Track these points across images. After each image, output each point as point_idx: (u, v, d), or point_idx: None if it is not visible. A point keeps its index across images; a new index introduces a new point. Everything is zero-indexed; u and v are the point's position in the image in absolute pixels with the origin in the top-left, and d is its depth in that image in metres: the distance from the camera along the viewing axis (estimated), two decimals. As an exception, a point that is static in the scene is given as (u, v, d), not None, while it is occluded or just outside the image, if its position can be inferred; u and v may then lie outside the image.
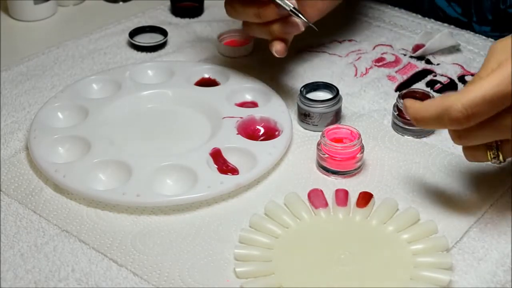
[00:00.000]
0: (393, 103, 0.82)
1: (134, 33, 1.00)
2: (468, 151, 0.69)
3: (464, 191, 0.74)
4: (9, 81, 0.92)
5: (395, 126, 0.82)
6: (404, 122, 0.81)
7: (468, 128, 0.65)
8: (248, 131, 0.81)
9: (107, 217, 0.72)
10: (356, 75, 0.92)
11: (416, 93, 0.82)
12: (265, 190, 0.75)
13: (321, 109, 0.81)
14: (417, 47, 0.96)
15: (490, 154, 0.68)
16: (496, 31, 0.99)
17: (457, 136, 0.67)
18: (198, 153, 0.77)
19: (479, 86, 0.64)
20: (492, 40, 0.97)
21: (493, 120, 0.65)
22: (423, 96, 0.81)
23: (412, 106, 0.68)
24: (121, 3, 1.12)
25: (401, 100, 0.80)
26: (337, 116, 0.82)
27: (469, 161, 0.71)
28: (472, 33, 0.99)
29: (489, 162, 0.69)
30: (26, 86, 0.91)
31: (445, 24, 1.01)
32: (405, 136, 0.81)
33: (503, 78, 0.64)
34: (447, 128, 0.68)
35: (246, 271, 0.65)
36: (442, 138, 0.81)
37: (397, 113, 0.81)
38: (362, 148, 0.76)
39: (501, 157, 0.68)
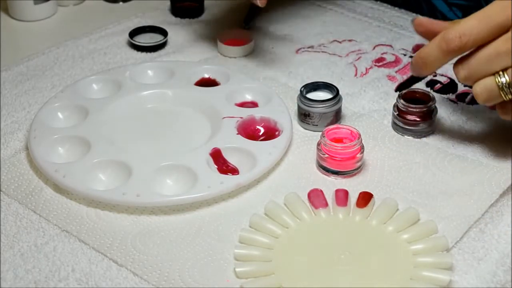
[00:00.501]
0: (393, 103, 0.82)
1: (134, 33, 1.00)
2: (478, 87, 0.72)
3: (464, 191, 0.74)
4: (9, 81, 0.92)
5: (395, 126, 0.82)
6: (404, 122, 0.81)
7: (469, 56, 0.72)
8: (248, 131, 0.81)
9: (107, 217, 0.72)
10: (356, 75, 0.92)
11: (416, 93, 0.82)
12: (265, 190, 0.75)
13: (321, 109, 0.81)
14: (417, 47, 0.96)
15: (496, 82, 0.71)
16: None
17: (461, 69, 0.73)
18: (198, 153, 0.77)
19: (474, 14, 0.71)
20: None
21: (492, 46, 0.71)
22: (423, 96, 0.81)
23: (415, 55, 0.75)
24: (121, 3, 1.12)
25: (401, 100, 0.80)
26: (337, 116, 0.82)
27: (481, 102, 0.73)
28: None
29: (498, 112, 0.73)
30: (26, 86, 0.91)
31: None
32: (405, 136, 0.81)
33: (500, 6, 0.70)
34: (448, 56, 0.73)
35: (246, 271, 0.65)
36: (442, 138, 0.81)
37: (397, 113, 0.81)
38: (362, 148, 0.76)
39: (508, 79, 0.70)
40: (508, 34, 0.70)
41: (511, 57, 0.70)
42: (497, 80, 0.71)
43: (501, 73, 0.71)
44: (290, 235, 0.69)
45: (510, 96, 0.71)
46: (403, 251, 0.67)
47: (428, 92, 0.82)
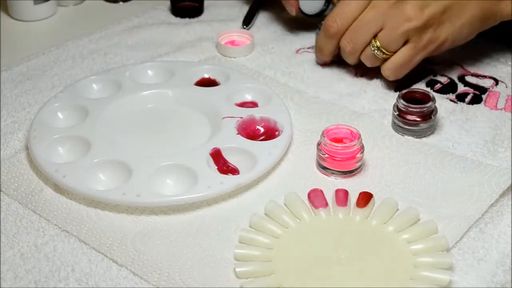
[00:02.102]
0: (393, 103, 0.82)
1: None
2: (362, 57, 0.87)
3: (464, 191, 0.74)
4: (9, 81, 0.92)
5: (395, 126, 0.82)
6: (404, 122, 0.81)
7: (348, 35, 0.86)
8: (248, 131, 0.81)
9: (107, 217, 0.72)
10: (356, 75, 0.92)
11: (416, 93, 0.82)
12: (265, 190, 0.75)
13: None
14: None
15: (371, 48, 0.85)
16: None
17: (346, 44, 0.87)
18: (198, 153, 0.77)
19: None
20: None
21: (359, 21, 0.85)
22: (423, 96, 0.81)
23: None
24: (121, 3, 1.12)
25: (401, 100, 0.80)
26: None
27: (369, 65, 0.88)
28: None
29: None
30: (26, 86, 0.91)
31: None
32: (405, 136, 0.81)
33: None
34: (333, 40, 0.87)
35: (246, 271, 0.65)
36: (442, 138, 0.81)
37: (397, 113, 0.81)
38: (362, 148, 0.76)
39: (378, 44, 0.85)
40: (371, 3, 0.84)
41: (374, 24, 0.84)
42: (371, 47, 0.85)
43: (372, 40, 0.85)
44: (290, 235, 0.69)
45: (383, 55, 0.85)
46: (403, 251, 0.67)
47: (428, 92, 0.82)
